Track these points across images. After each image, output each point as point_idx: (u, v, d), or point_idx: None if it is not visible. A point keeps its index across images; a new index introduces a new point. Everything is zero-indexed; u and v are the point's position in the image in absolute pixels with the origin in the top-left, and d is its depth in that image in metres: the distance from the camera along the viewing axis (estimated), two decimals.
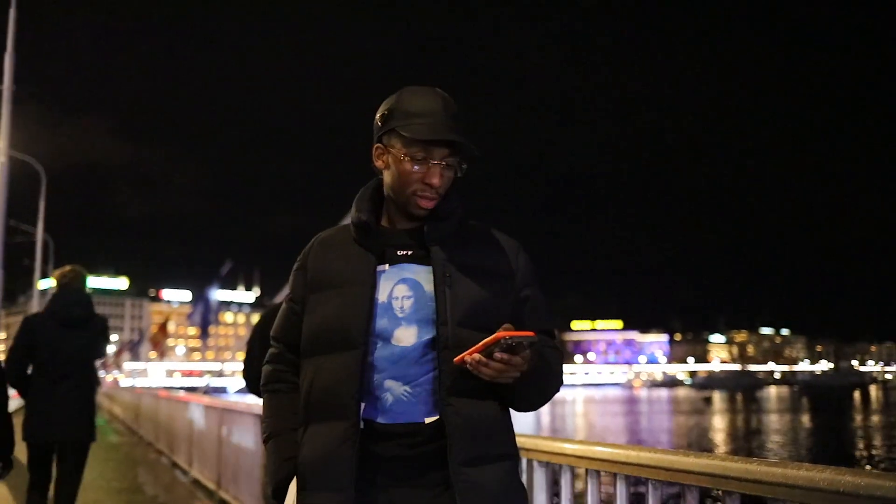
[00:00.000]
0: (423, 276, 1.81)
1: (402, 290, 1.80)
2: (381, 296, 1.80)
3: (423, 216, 1.85)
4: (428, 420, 1.73)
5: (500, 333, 1.58)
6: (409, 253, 1.84)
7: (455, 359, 1.68)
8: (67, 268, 5.43)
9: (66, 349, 5.16)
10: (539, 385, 1.80)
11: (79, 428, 5.18)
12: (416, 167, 1.79)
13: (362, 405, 1.75)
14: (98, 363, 5.58)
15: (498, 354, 1.61)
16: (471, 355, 1.63)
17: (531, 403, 1.83)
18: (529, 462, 2.73)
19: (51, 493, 5.23)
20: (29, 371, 5.14)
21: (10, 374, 4.78)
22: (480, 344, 1.62)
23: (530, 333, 1.60)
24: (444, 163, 1.80)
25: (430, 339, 1.75)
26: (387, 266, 1.84)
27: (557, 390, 1.88)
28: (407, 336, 1.76)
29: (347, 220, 1.98)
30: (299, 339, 1.88)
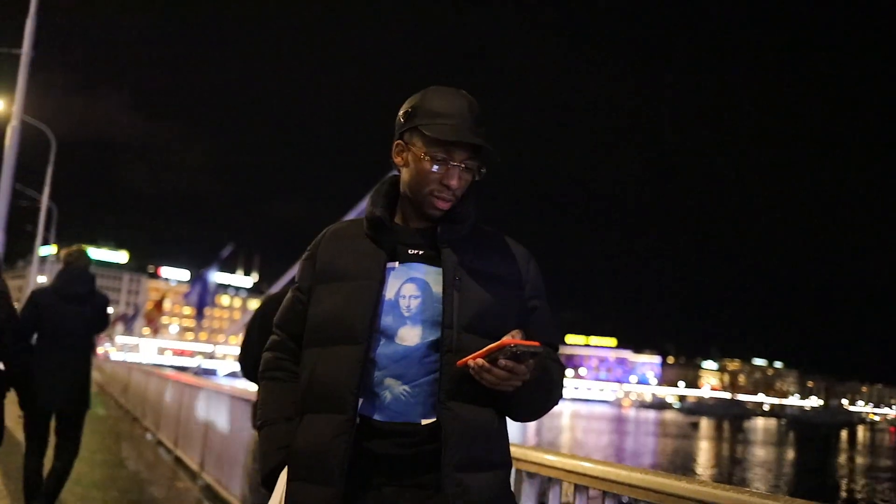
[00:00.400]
0: (433, 277, 1.80)
1: (410, 289, 1.80)
2: (389, 293, 1.80)
3: (437, 217, 1.85)
4: (425, 422, 1.73)
5: (506, 340, 1.58)
6: (421, 253, 1.84)
7: (459, 362, 1.67)
8: (74, 247, 5.74)
9: (68, 323, 5.43)
10: (539, 397, 1.79)
11: (76, 397, 5.47)
12: (435, 167, 1.79)
13: (360, 401, 1.74)
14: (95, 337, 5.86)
15: (502, 361, 1.60)
16: (475, 359, 1.63)
17: (529, 414, 1.82)
18: (518, 472, 2.72)
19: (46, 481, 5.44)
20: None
21: (16, 344, 4.87)
22: (486, 349, 1.62)
23: (536, 344, 1.59)
24: (463, 165, 1.80)
25: (434, 340, 1.75)
26: (397, 264, 1.83)
27: (556, 404, 1.87)
28: (411, 336, 1.76)
29: (354, 214, 1.97)
30: (302, 329, 1.88)
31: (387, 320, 1.77)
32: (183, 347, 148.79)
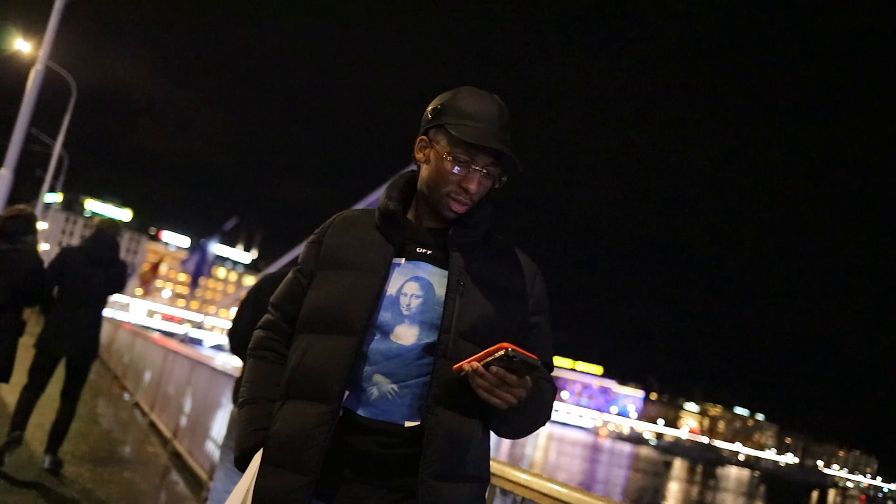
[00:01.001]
0: (437, 278, 1.77)
1: (412, 287, 1.76)
2: (391, 289, 1.76)
3: (451, 219, 1.81)
4: (408, 424, 1.69)
5: (502, 344, 1.54)
6: (429, 252, 1.80)
7: (454, 366, 1.63)
8: (108, 219, 6.56)
9: (91, 282, 6.11)
10: (527, 417, 1.74)
11: (87, 347, 6.16)
12: (456, 168, 1.75)
13: (346, 393, 1.71)
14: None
15: (493, 368, 1.56)
16: (470, 363, 1.59)
17: (515, 432, 1.78)
18: (492, 487, 2.68)
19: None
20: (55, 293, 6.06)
21: (40, 294, 5.68)
22: (482, 353, 1.58)
23: (532, 356, 1.54)
24: (485, 170, 1.76)
25: (430, 343, 1.71)
26: (403, 260, 1.80)
27: (543, 426, 1.83)
28: (407, 335, 1.72)
29: (363, 206, 1.94)
30: (298, 312, 1.84)
31: (385, 316, 1.73)
32: (173, 313, 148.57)
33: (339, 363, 1.69)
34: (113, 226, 6.42)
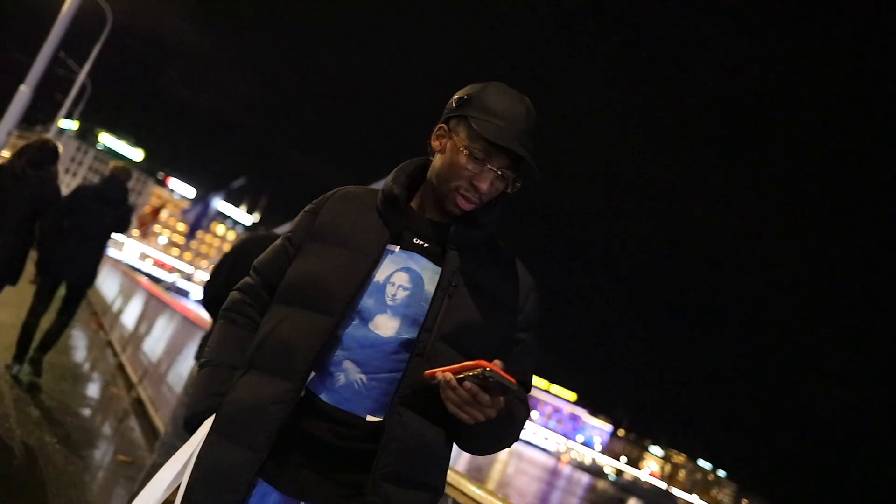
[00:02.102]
0: (429, 274, 1.68)
1: (401, 278, 1.68)
2: (379, 275, 1.67)
3: (455, 215, 1.73)
4: (369, 418, 1.60)
5: (482, 362, 1.44)
6: (426, 245, 1.72)
7: (427, 371, 1.55)
8: (122, 163, 7.43)
9: (99, 219, 6.90)
10: (494, 435, 1.65)
11: (87, 275, 6.99)
12: (470, 164, 1.67)
13: (312, 374, 1.63)
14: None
15: (468, 384, 1.48)
16: (444, 373, 1.50)
17: (478, 448, 1.69)
18: (445, 498, 2.60)
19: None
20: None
21: (53, 224, 6.50)
22: (459, 365, 1.49)
23: (512, 380, 1.44)
24: (500, 172, 1.68)
25: (408, 339, 1.62)
26: (397, 248, 1.71)
27: (509, 446, 1.75)
28: (386, 326, 1.63)
29: (375, 185, 1.87)
30: (279, 280, 1.76)
31: (367, 302, 1.65)
32: (165, 260, 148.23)
33: (310, 342, 1.61)
34: (125, 171, 7.23)
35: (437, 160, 1.74)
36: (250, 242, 3.63)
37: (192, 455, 1.66)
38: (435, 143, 1.76)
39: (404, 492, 1.58)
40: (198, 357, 3.57)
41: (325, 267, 1.68)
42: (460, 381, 1.48)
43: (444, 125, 1.75)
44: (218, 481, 1.59)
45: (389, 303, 1.65)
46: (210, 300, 3.64)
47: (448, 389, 1.49)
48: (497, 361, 1.46)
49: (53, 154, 6.04)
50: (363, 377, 1.62)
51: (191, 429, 1.71)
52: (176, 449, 3.47)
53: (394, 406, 1.58)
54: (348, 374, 1.62)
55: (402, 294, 1.66)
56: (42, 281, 6.81)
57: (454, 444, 1.70)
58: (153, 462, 3.63)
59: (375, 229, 1.73)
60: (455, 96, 1.75)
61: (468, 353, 1.60)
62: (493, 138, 1.63)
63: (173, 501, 1.66)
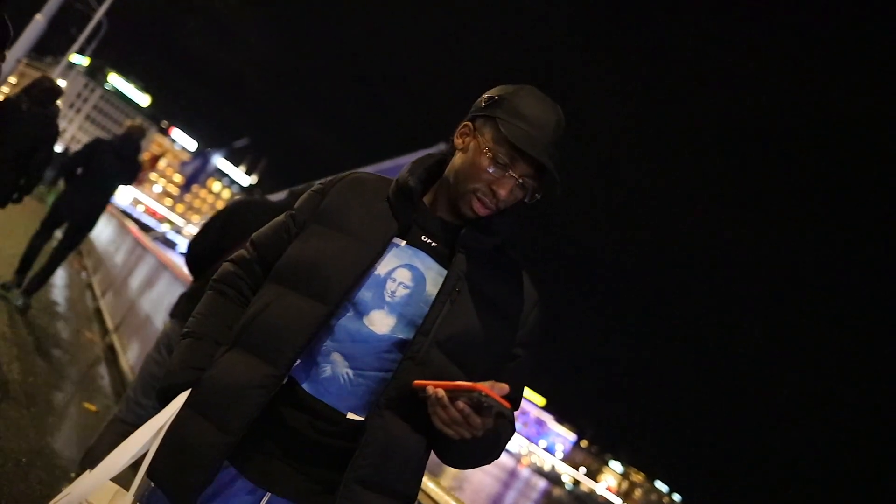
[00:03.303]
0: (433, 275, 1.61)
1: (404, 274, 1.61)
2: (381, 268, 1.60)
3: (468, 218, 1.66)
4: (350, 416, 1.53)
5: (480, 386, 1.37)
6: (433, 245, 1.65)
7: (417, 381, 1.48)
8: (138, 122, 8.37)
9: (110, 171, 7.63)
10: (478, 453, 1.60)
11: (90, 221, 7.83)
12: (492, 168, 1.60)
13: (298, 361, 1.56)
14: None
15: (460, 404, 1.41)
16: (435, 388, 1.44)
17: (459, 462, 1.63)
18: None
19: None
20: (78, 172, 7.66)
21: (66, 168, 7.75)
22: (452, 383, 1.42)
23: (507, 405, 1.38)
24: (521, 180, 1.61)
25: (402, 340, 1.55)
26: (404, 242, 1.64)
27: (490, 462, 1.69)
28: (381, 323, 1.56)
29: (373, 169, 1.79)
30: (276, 258, 1.68)
31: (365, 295, 1.58)
32: (157, 209, 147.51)
33: (301, 328, 1.54)
34: (140, 130, 8.04)
35: (458, 158, 1.67)
36: (244, 206, 3.54)
37: (161, 428, 1.59)
38: (458, 141, 1.68)
39: (375, 497, 1.51)
40: (173, 314, 3.48)
41: (326, 252, 1.61)
42: (452, 397, 1.41)
43: (469, 123, 1.67)
44: (184, 459, 1.52)
45: (388, 299, 1.58)
46: (194, 257, 3.54)
47: (438, 406, 1.43)
48: (492, 383, 1.40)
49: (55, 95, 6.48)
50: (350, 372, 1.55)
51: (163, 400, 1.63)
52: (140, 406, 3.44)
53: (378, 407, 1.51)
54: (335, 366, 1.55)
55: (402, 292, 1.59)
56: (50, 215, 7.71)
57: (434, 453, 1.63)
58: (115, 416, 3.54)
59: (383, 220, 1.66)
60: (485, 95, 1.68)
61: (462, 364, 1.54)
62: (521, 144, 1.56)
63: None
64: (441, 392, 1.42)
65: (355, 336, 1.56)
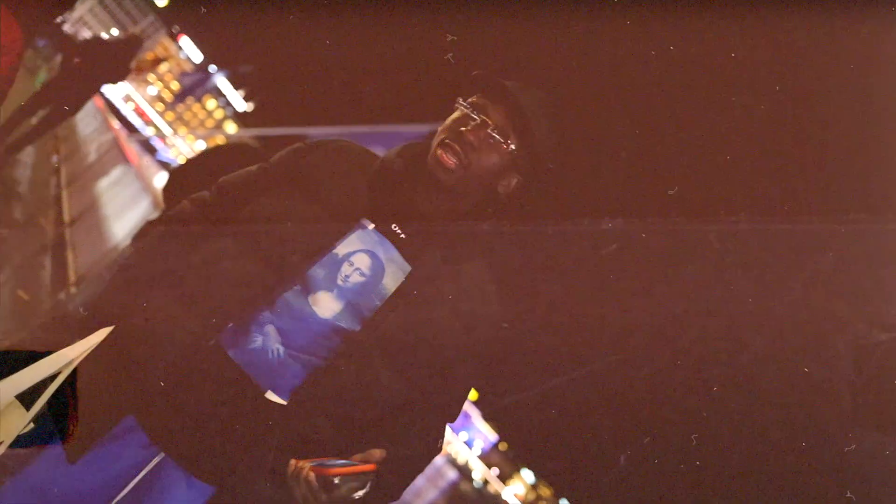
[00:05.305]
0: (394, 269, 1.51)
1: (363, 261, 1.51)
2: (341, 249, 1.50)
3: (439, 180, 1.53)
4: (269, 395, 1.45)
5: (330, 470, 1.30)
6: (402, 236, 1.54)
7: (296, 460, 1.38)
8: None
9: None
10: None
11: None
12: (457, 113, 1.53)
13: (230, 324, 1.47)
14: None
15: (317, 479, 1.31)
16: (311, 468, 1.33)
17: None
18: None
19: None
20: None
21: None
22: (348, 468, 1.32)
23: (370, 468, 1.32)
24: (494, 131, 1.51)
25: (344, 329, 1.47)
26: (372, 226, 1.54)
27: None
28: (326, 306, 1.47)
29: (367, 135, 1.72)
30: (238, 208, 1.57)
31: (317, 272, 1.48)
32: (146, 111, 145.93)
33: (242, 290, 1.45)
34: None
35: None
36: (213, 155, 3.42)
37: (75, 359, 1.49)
38: None
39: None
40: (136, 239, 3.37)
41: (289, 217, 1.51)
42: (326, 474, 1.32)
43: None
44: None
45: (340, 283, 1.49)
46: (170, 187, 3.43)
47: (292, 480, 1.36)
48: (375, 452, 1.37)
49: None
50: (281, 349, 1.46)
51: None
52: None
53: (300, 396, 1.44)
54: (267, 339, 1.46)
55: (356, 279, 1.50)
56: None
57: None
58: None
59: (357, 197, 1.55)
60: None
61: (402, 371, 1.47)
62: (493, 88, 1.50)
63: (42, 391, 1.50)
64: (308, 469, 1.34)
65: (296, 313, 1.47)
